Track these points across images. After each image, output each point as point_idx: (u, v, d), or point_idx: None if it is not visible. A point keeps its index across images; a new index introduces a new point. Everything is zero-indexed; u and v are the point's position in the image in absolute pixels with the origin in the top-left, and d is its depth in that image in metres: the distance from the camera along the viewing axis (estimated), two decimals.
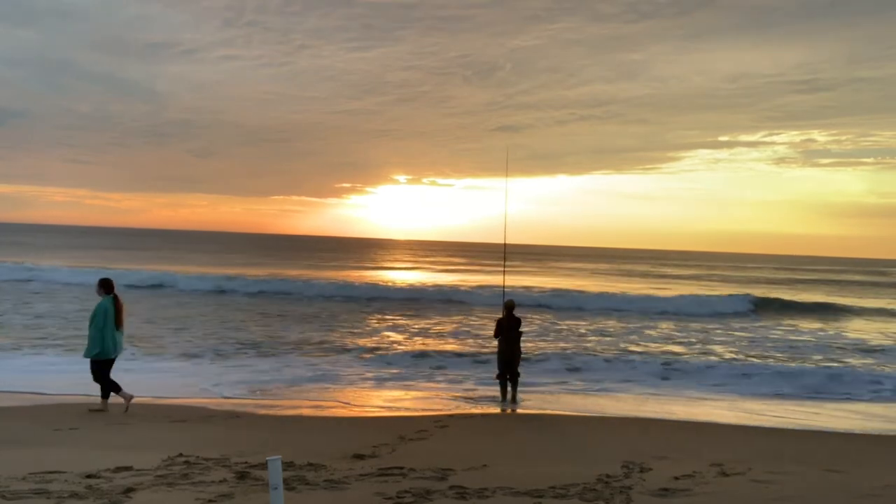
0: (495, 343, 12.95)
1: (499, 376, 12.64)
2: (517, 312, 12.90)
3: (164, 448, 7.76)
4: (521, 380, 12.74)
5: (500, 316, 12.86)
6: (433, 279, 45.63)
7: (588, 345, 19.96)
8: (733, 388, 14.50)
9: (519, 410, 11.78)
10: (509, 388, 12.53)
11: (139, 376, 12.87)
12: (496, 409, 11.85)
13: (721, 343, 21.63)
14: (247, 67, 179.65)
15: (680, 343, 21.21)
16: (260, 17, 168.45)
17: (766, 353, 19.63)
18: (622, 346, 20.07)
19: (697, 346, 20.66)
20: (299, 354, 16.72)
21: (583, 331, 23.26)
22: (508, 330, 12.60)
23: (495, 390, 12.94)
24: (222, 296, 30.52)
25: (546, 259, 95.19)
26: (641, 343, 20.77)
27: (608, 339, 21.61)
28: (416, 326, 22.86)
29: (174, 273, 36.92)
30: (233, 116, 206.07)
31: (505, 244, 13.86)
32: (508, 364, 12.52)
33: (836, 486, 7.16)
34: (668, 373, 15.87)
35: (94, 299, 10.83)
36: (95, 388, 10.51)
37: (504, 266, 14.50)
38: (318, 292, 32.08)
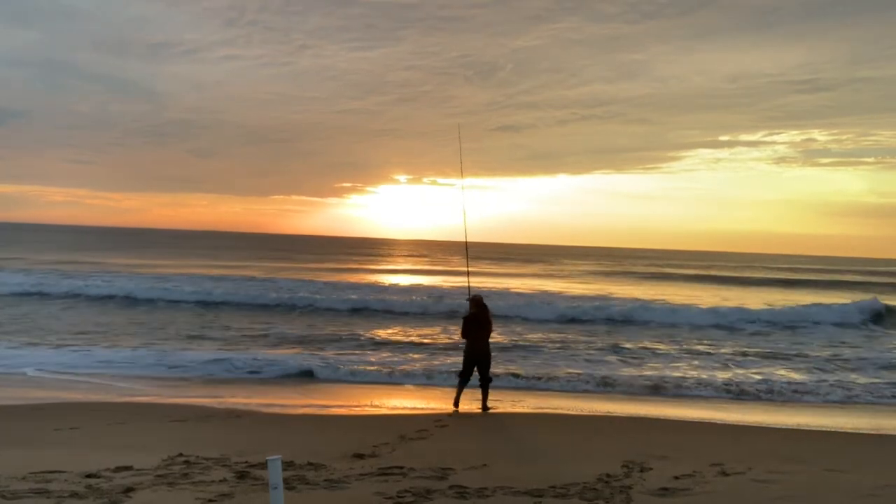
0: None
1: (461, 374, 11.74)
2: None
3: (164, 448, 7.76)
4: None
5: (470, 312, 11.83)
6: (429, 281, 45.59)
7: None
8: None
9: (519, 410, 11.72)
10: (468, 393, 11.57)
11: None
12: (496, 409, 11.77)
13: None
14: (248, 67, 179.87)
15: None
16: (261, 17, 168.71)
17: None
18: None
19: None
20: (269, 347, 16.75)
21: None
22: (477, 328, 11.68)
23: (494, 392, 12.84)
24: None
25: (552, 259, 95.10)
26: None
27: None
28: (417, 326, 22.85)
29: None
30: (234, 116, 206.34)
31: (466, 243, 13.09)
32: (475, 364, 11.62)
33: (836, 486, 7.16)
34: None
35: None
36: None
37: (467, 263, 13.87)
38: (320, 289, 31.92)
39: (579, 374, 15.48)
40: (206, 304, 26.29)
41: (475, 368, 11.68)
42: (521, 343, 19.74)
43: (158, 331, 19.91)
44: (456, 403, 11.57)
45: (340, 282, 38.21)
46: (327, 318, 24.05)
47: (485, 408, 11.52)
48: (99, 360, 15.02)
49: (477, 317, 11.72)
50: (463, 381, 11.69)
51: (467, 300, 12.10)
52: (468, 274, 13.20)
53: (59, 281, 30.20)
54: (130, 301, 26.54)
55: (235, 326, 21.16)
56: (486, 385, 11.66)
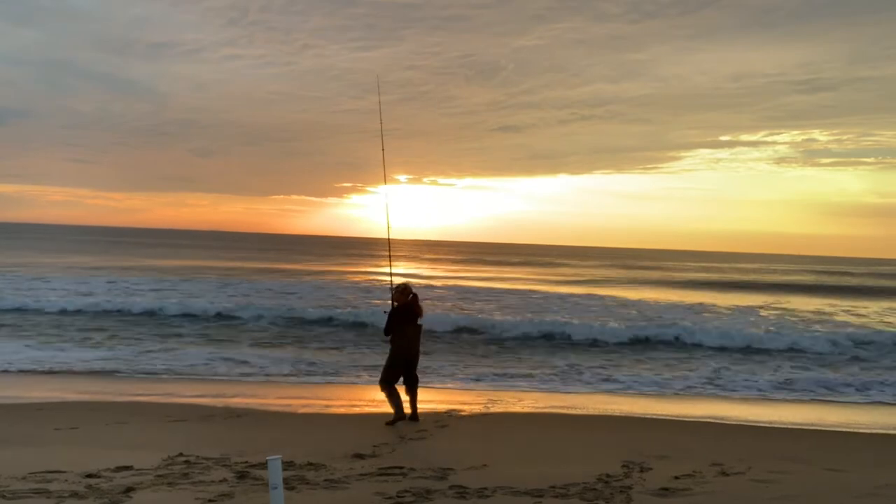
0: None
1: (387, 382, 9.98)
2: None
3: (164, 447, 7.76)
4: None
5: (395, 304, 10.16)
6: (427, 281, 45.59)
7: None
8: None
9: (519, 410, 11.71)
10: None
11: None
12: (496, 409, 11.77)
13: None
14: (249, 67, 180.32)
15: None
16: (263, 17, 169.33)
17: None
18: None
19: None
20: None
21: None
22: (407, 321, 9.98)
23: (496, 392, 12.80)
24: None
25: (560, 261, 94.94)
26: None
27: None
28: None
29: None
30: (235, 116, 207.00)
31: (389, 239, 10.95)
32: (408, 366, 10.06)
33: (836, 486, 7.16)
34: None
35: None
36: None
37: (390, 256, 11.36)
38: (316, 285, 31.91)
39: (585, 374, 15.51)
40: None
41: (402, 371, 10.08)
42: (519, 345, 19.75)
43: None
44: (399, 414, 9.92)
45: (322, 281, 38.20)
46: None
47: (415, 416, 10.08)
48: None
49: (405, 308, 9.98)
50: (393, 387, 10.04)
51: (391, 289, 10.31)
52: (391, 274, 10.98)
53: None
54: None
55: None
56: (414, 389, 10.14)
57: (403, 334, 9.96)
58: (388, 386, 9.96)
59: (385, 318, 10.14)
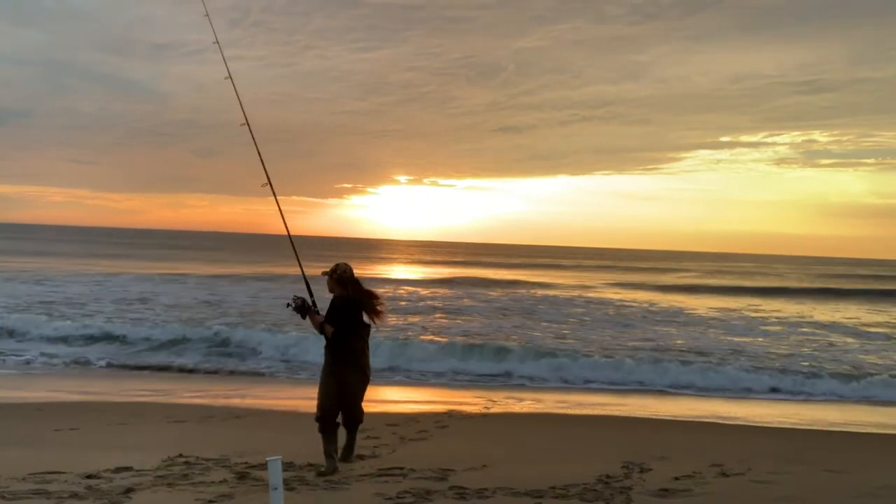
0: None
1: (324, 417, 7.04)
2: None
3: (164, 448, 7.75)
4: None
5: (335, 292, 7.01)
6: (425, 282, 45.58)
7: None
8: None
9: (519, 410, 11.70)
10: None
11: None
12: (496, 409, 11.77)
13: None
14: (251, 68, 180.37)
15: None
16: (265, 18, 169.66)
17: None
18: None
19: None
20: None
21: None
22: (356, 318, 7.00)
23: (495, 392, 12.79)
24: None
25: (563, 263, 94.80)
26: None
27: None
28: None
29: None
30: (235, 116, 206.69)
31: (290, 236, 8.22)
32: (349, 389, 7.11)
33: (836, 486, 7.16)
34: None
35: None
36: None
37: (297, 257, 7.78)
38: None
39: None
40: None
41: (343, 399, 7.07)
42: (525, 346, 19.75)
43: None
44: (334, 464, 7.00)
45: None
46: None
47: (350, 454, 7.40)
48: None
49: (355, 299, 7.00)
50: (330, 426, 7.08)
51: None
52: (301, 267, 7.64)
53: None
54: None
55: None
56: (356, 426, 7.39)
57: (355, 334, 7.03)
58: (323, 424, 7.07)
59: (298, 312, 7.03)
